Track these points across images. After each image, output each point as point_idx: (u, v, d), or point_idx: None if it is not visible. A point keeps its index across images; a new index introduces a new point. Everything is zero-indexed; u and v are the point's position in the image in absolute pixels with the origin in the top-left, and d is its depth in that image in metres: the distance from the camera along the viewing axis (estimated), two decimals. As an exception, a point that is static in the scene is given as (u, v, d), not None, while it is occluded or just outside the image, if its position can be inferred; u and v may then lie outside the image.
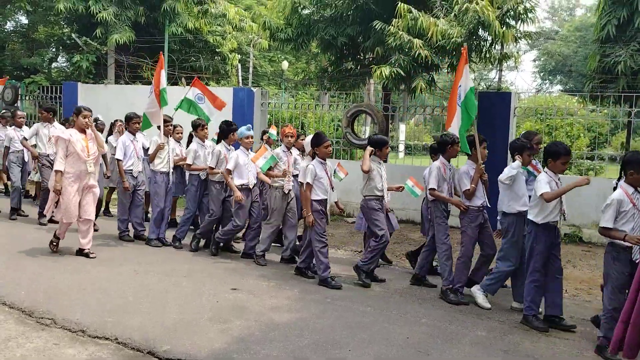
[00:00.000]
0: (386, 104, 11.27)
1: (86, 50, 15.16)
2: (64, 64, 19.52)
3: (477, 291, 5.85)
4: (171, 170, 7.89)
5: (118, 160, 7.92)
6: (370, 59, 11.28)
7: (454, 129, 6.16)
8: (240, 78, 19.29)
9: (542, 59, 43.07)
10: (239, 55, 18.27)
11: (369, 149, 6.49)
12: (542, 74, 44.17)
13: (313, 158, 6.46)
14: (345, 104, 11.62)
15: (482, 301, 5.78)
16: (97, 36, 14.81)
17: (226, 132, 7.56)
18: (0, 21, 16.81)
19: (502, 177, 5.62)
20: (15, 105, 14.22)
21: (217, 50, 17.41)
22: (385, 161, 6.88)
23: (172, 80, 15.30)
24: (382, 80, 9.33)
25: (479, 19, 8.61)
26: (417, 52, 8.86)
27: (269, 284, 6.21)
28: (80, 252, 7.01)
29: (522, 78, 59.88)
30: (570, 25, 41.37)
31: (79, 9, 14.72)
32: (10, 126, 10.03)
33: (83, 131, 6.91)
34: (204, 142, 7.92)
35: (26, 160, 9.66)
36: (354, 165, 8.97)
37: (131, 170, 7.98)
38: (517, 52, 13.28)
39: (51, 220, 8.67)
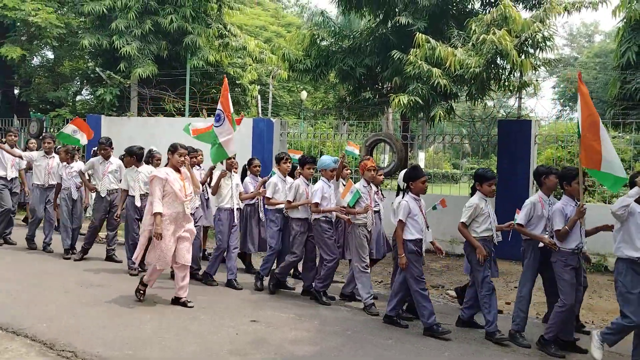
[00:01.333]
0: (405, 133, 11.28)
1: (110, 83, 15.50)
2: (88, 97, 19.94)
3: (596, 336, 5.08)
4: (237, 206, 7.51)
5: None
6: (389, 89, 11.33)
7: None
8: (260, 109, 19.49)
9: (561, 85, 42.88)
10: (259, 86, 18.50)
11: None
12: (562, 101, 43.92)
13: (405, 194, 5.95)
14: (364, 133, 11.65)
15: (595, 349, 5.02)
16: (120, 70, 15.15)
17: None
18: (27, 56, 17.27)
19: (614, 207, 4.92)
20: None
21: (237, 81, 17.66)
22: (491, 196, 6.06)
23: (194, 112, 15.54)
24: (400, 108, 9.35)
25: (496, 49, 8.62)
26: (436, 81, 8.89)
27: (288, 316, 6.16)
28: (177, 302, 6.40)
29: (541, 105, 59.70)
30: (590, 52, 41.19)
31: (103, 44, 15.11)
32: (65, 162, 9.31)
33: (178, 170, 6.44)
34: (285, 176, 7.59)
35: (74, 197, 8.96)
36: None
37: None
38: (537, 80, 13.24)
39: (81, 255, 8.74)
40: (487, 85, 10.06)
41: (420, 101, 9.10)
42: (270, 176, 7.72)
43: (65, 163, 9.06)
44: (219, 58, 16.57)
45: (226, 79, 8.03)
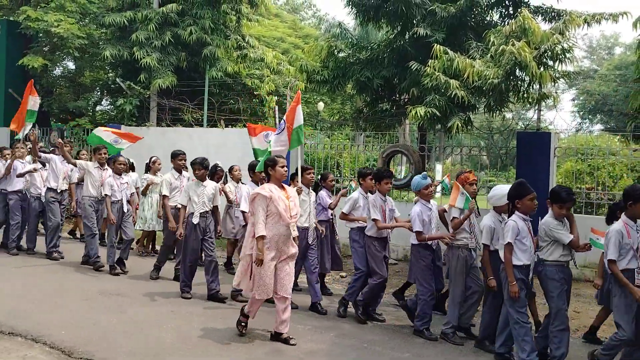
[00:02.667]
0: (422, 144, 11.25)
1: (130, 94, 15.69)
2: (108, 107, 20.21)
3: None
4: (313, 225, 6.91)
5: (243, 212, 7.56)
6: (406, 100, 11.34)
7: None
8: (277, 119, 19.57)
9: (581, 97, 42.52)
10: (276, 97, 18.57)
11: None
12: (581, 113, 43.52)
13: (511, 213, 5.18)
14: (381, 144, 11.64)
15: None
16: (140, 80, 15.33)
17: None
18: (49, 67, 17.57)
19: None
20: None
21: (255, 92, 17.78)
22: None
23: (212, 123, 15.65)
24: (417, 120, 9.35)
25: (515, 60, 8.58)
26: (454, 92, 8.87)
27: (305, 328, 6.13)
28: (278, 338, 5.57)
29: (561, 117, 59.13)
30: (610, 64, 40.82)
31: (124, 55, 15.32)
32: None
33: (282, 186, 5.64)
34: (366, 193, 6.91)
35: (125, 210, 8.55)
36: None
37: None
38: (556, 92, 13.16)
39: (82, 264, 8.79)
40: (506, 96, 10.02)
41: (437, 113, 9.09)
42: (349, 190, 7.35)
43: (115, 174, 8.56)
44: (238, 69, 16.71)
45: (300, 91, 7.58)
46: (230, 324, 6.10)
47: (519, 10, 9.64)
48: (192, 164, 7.25)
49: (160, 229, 9.61)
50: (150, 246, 10.21)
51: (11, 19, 17.30)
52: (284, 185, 5.70)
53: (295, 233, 5.61)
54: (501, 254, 5.20)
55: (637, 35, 9.54)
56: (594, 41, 49.65)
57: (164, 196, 8.00)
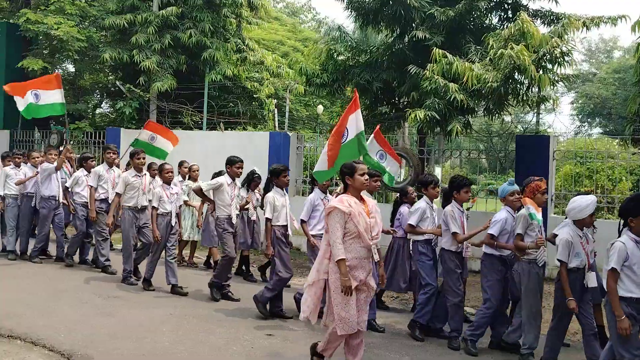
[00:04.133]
0: (422, 147, 11.25)
1: (129, 97, 15.71)
2: (108, 110, 20.23)
3: None
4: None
5: (267, 219, 6.69)
6: (405, 103, 11.35)
7: None
8: (276, 122, 19.62)
9: (580, 101, 42.57)
10: (276, 100, 18.61)
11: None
12: (580, 117, 43.57)
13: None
14: (381, 147, 11.64)
15: None
16: (140, 83, 15.35)
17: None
18: (49, 69, 17.59)
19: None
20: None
21: (254, 95, 17.81)
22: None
23: (211, 126, 15.67)
24: (416, 123, 9.36)
25: (514, 64, 8.59)
26: (453, 95, 8.88)
27: (304, 330, 6.13)
28: None
29: (560, 120, 59.22)
30: (609, 68, 40.89)
31: (124, 58, 15.34)
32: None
33: (362, 198, 4.72)
34: (432, 201, 6.46)
35: (173, 224, 7.67)
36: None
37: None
38: (555, 95, 13.17)
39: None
40: (505, 100, 10.03)
41: (436, 116, 9.09)
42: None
43: (165, 184, 7.67)
44: (237, 72, 16.74)
45: (357, 92, 6.90)
46: (228, 326, 6.10)
47: (518, 13, 9.65)
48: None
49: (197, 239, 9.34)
50: (189, 257, 9.60)
51: (11, 21, 17.33)
52: (365, 196, 4.83)
53: (377, 257, 4.67)
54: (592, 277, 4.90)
55: (636, 39, 9.56)
56: (593, 44, 49.72)
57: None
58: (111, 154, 8.84)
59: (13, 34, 16.68)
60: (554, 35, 9.14)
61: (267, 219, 6.66)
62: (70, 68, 20.40)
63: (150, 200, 7.74)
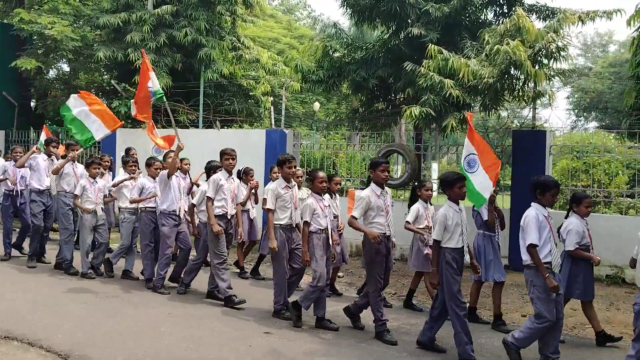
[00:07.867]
0: (418, 144, 11.25)
1: (125, 96, 15.65)
2: (103, 109, 20.17)
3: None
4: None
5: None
6: (401, 100, 11.35)
7: None
8: (273, 120, 19.59)
9: (576, 95, 42.62)
10: (272, 98, 18.58)
11: None
12: (576, 111, 43.62)
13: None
14: (377, 143, 11.64)
15: None
16: (135, 82, 15.27)
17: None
18: (43, 69, 17.53)
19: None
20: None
21: (250, 93, 17.78)
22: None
23: (207, 124, 15.63)
24: (412, 120, 9.36)
25: (510, 59, 8.59)
26: (449, 92, 8.88)
27: (303, 328, 6.13)
28: None
29: (556, 115, 59.32)
30: (604, 62, 40.93)
31: (118, 57, 15.26)
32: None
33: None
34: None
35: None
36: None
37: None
38: (551, 90, 13.17)
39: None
40: (501, 95, 10.03)
41: (432, 112, 9.09)
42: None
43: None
44: (233, 70, 16.70)
45: (470, 115, 6.91)
46: (227, 325, 6.10)
47: (513, 9, 9.64)
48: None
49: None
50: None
51: (5, 21, 17.26)
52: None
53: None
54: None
55: (632, 33, 9.57)
56: (589, 39, 49.81)
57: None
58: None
59: (6, 33, 16.61)
60: (550, 30, 9.13)
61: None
62: (65, 67, 20.34)
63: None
